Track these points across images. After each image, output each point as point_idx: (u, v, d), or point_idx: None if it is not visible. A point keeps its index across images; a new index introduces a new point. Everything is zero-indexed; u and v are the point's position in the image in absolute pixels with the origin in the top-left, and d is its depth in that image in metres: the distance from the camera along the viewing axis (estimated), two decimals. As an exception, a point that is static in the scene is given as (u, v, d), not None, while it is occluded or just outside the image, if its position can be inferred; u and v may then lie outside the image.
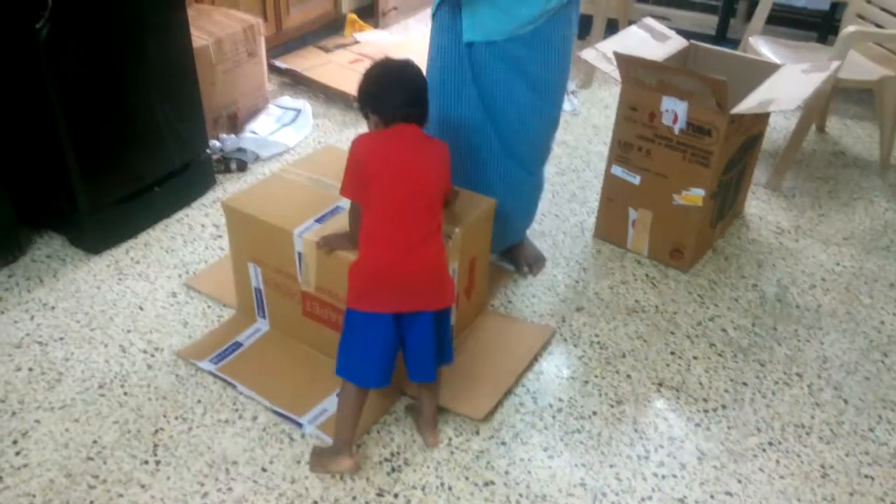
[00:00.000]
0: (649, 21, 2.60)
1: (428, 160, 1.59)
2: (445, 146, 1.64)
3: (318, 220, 1.77)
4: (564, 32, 1.90)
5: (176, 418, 1.73)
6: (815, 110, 2.78)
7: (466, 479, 1.62)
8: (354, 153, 1.57)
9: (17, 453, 1.63)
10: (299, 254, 1.76)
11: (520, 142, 1.99)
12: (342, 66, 3.32)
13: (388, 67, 1.64)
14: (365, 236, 1.54)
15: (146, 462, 1.62)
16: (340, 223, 1.77)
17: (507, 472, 1.64)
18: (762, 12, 3.07)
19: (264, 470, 1.61)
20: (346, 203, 1.83)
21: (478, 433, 1.72)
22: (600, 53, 2.38)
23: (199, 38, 2.63)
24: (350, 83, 3.29)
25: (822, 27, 3.68)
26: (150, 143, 2.32)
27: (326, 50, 3.60)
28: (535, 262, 2.28)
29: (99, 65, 2.11)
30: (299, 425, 1.71)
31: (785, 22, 3.75)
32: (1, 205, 2.14)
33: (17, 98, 2.10)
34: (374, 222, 1.53)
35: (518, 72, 1.89)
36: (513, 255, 2.27)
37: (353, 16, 3.79)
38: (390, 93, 1.60)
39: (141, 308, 2.06)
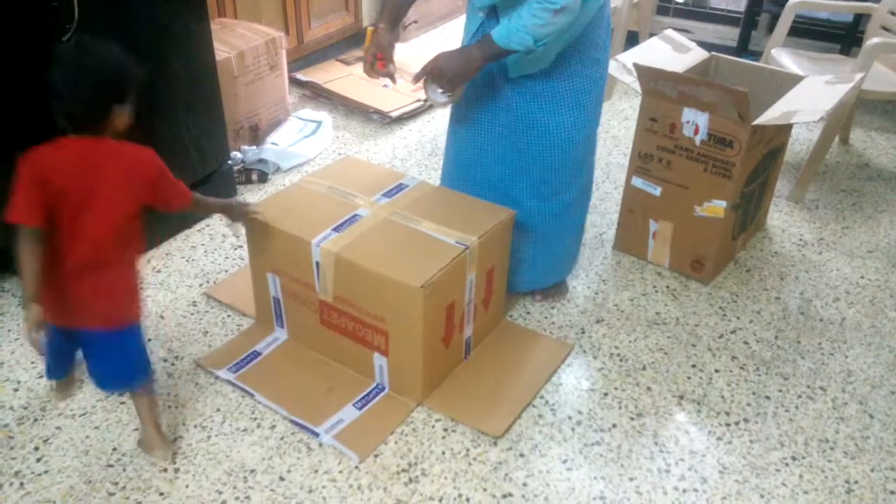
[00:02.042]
0: (670, 33, 2.59)
1: (105, 179, 1.40)
2: (144, 155, 1.48)
3: (336, 230, 1.78)
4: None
5: (195, 426, 1.74)
6: (839, 122, 2.75)
7: (484, 490, 1.60)
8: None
9: (39, 459, 1.65)
10: (317, 263, 1.76)
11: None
12: (362, 79, 3.34)
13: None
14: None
15: (165, 470, 1.63)
16: (358, 232, 1.77)
17: (525, 485, 1.62)
18: (784, 24, 3.05)
19: (282, 479, 1.61)
20: (364, 212, 1.84)
21: (496, 444, 1.71)
22: (620, 65, 2.38)
23: (222, 51, 2.66)
24: (370, 96, 3.32)
25: (846, 39, 3.65)
26: (172, 154, 2.32)
27: (347, 63, 3.63)
28: (550, 293, 2.19)
29: (123, 77, 2.14)
30: (316, 435, 1.71)
31: (807, 34, 3.73)
32: (26, 214, 2.17)
33: (40, 110, 2.13)
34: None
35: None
36: None
37: (374, 29, 3.82)
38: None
39: (162, 317, 2.08)
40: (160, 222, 2.38)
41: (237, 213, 1.82)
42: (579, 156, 1.97)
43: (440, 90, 1.85)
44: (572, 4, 1.62)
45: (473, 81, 1.88)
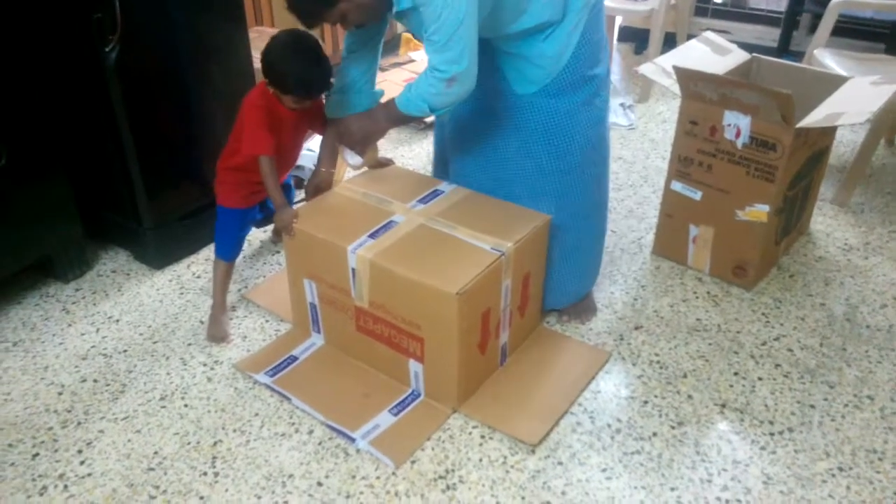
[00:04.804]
0: (709, 35, 2.55)
1: None
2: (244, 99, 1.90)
3: (372, 236, 1.78)
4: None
5: (234, 431, 1.75)
6: (885, 123, 2.68)
7: (522, 498, 1.59)
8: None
9: (82, 462, 1.68)
10: (353, 269, 1.77)
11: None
12: (397, 85, 3.35)
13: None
14: None
15: (205, 473, 1.65)
16: (394, 238, 1.77)
17: (563, 493, 1.60)
18: (827, 24, 2.98)
19: (320, 484, 1.62)
20: (399, 218, 1.84)
21: (534, 452, 1.69)
22: (659, 67, 2.35)
23: (260, 59, 2.68)
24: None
25: (892, 38, 3.56)
26: (212, 161, 2.37)
27: (382, 69, 3.64)
28: (578, 313, 2.12)
29: (164, 86, 2.18)
30: (352, 440, 1.71)
31: (851, 33, 3.64)
32: (71, 222, 2.22)
33: (86, 118, 2.18)
34: None
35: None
36: None
37: (409, 35, 3.84)
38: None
39: (201, 322, 2.11)
40: (199, 229, 2.41)
41: (281, 218, 1.86)
42: (588, 165, 1.93)
43: (352, 152, 1.92)
44: (464, 75, 1.61)
45: (476, 109, 1.87)
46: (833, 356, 1.98)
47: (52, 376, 1.92)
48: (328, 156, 1.99)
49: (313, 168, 2.84)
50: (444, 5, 1.52)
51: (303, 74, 1.79)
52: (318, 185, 2.00)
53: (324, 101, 1.96)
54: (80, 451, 1.71)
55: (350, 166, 1.97)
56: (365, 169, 2.06)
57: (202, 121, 2.33)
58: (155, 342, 2.04)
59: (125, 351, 2.01)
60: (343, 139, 1.90)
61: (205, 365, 1.95)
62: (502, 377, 1.89)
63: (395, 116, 1.79)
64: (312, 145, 2.95)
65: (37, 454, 1.70)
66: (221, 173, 2.02)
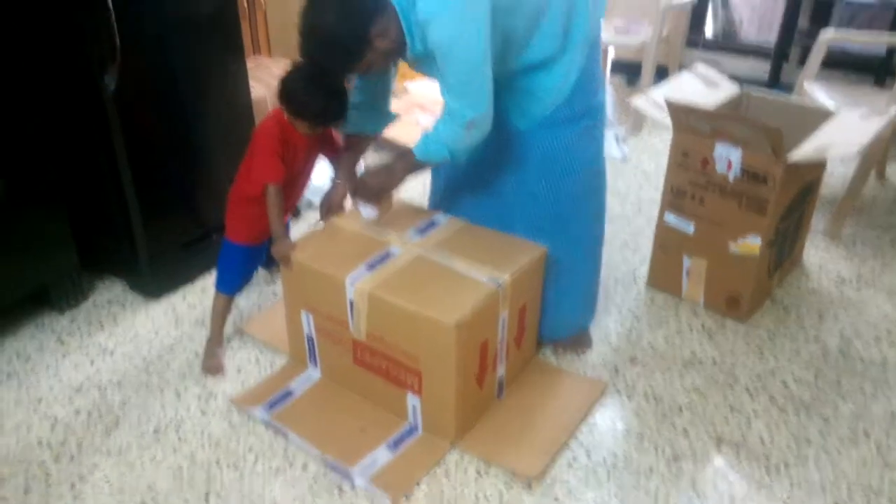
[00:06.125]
0: (700, 67, 2.59)
1: None
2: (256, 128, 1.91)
3: (369, 268, 1.79)
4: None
5: (228, 465, 1.74)
6: (875, 156, 2.71)
7: (519, 535, 1.58)
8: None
9: (75, 497, 1.66)
10: (351, 302, 1.77)
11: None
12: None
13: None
14: None
15: (199, 510, 1.63)
16: (391, 270, 1.78)
17: (560, 529, 1.59)
18: (816, 57, 3.03)
19: (314, 521, 1.60)
20: (397, 249, 1.84)
21: (529, 488, 1.69)
22: (651, 100, 2.38)
23: (258, 88, 2.71)
24: (402, 132, 3.33)
25: (880, 70, 3.62)
26: (209, 191, 2.39)
27: (378, 98, 3.67)
28: (574, 345, 2.11)
29: (162, 115, 2.19)
30: (349, 476, 1.70)
31: (840, 65, 3.70)
32: (66, 251, 2.21)
33: (83, 148, 2.19)
34: None
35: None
36: None
37: (404, 64, 3.86)
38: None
39: (196, 354, 2.10)
40: (195, 259, 2.41)
41: (278, 249, 1.87)
42: (586, 198, 1.95)
43: (368, 206, 1.91)
44: (482, 118, 1.63)
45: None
46: (828, 390, 1.99)
47: (46, 408, 1.91)
48: (345, 169, 1.96)
49: (309, 197, 2.86)
50: (461, 51, 1.54)
51: (322, 104, 1.78)
52: (332, 198, 1.98)
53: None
54: (72, 486, 1.69)
55: (365, 220, 1.96)
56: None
57: (200, 151, 2.34)
58: (149, 374, 2.03)
59: (119, 383, 1.99)
60: (359, 193, 1.90)
61: (199, 398, 1.94)
62: (500, 410, 1.88)
63: (413, 166, 1.80)
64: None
65: (29, 489, 1.68)
66: (234, 205, 1.97)
